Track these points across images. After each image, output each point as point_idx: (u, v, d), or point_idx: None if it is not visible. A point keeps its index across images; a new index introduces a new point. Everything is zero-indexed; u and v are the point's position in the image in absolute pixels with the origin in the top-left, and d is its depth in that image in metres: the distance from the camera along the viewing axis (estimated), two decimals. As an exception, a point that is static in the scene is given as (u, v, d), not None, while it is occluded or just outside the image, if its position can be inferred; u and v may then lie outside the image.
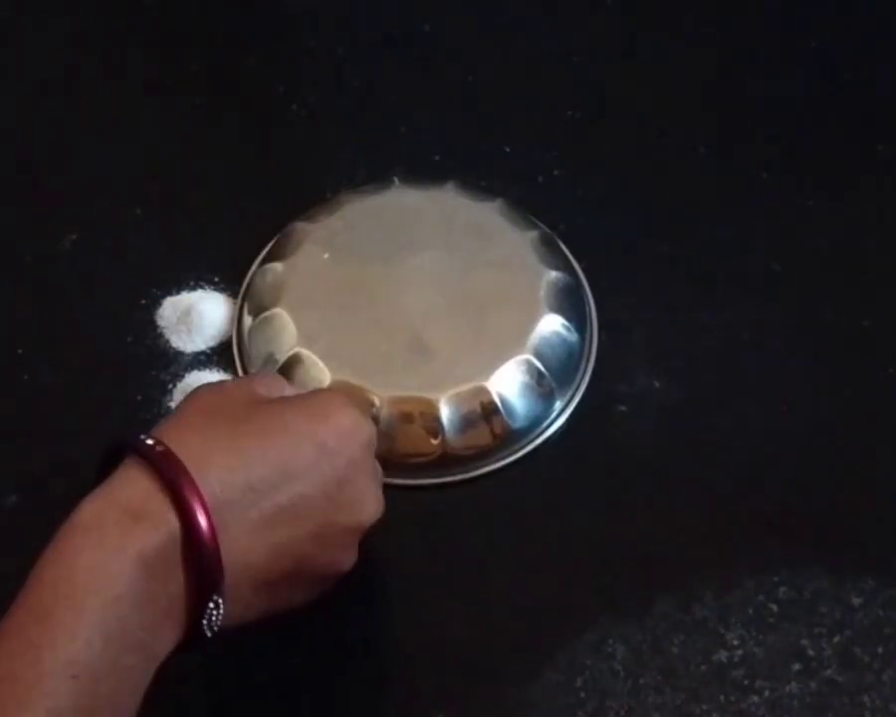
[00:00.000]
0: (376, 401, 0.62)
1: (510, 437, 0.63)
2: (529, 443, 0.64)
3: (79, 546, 0.43)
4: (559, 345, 0.65)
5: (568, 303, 0.67)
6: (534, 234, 0.69)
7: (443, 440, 0.62)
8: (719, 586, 0.59)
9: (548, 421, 0.64)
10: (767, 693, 0.56)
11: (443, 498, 0.63)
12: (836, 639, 0.57)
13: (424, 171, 0.74)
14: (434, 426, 0.62)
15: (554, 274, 0.67)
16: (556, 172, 0.75)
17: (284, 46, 0.82)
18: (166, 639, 0.45)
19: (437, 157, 0.75)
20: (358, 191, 0.72)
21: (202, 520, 0.44)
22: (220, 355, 0.67)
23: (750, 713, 0.55)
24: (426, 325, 0.65)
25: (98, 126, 0.78)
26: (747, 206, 0.74)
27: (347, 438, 0.50)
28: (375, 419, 0.62)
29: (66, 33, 0.82)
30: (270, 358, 0.64)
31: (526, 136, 0.77)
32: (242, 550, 0.46)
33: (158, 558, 0.43)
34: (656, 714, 0.55)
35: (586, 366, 0.66)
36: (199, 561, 0.44)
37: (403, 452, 0.62)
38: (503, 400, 0.63)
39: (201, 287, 0.69)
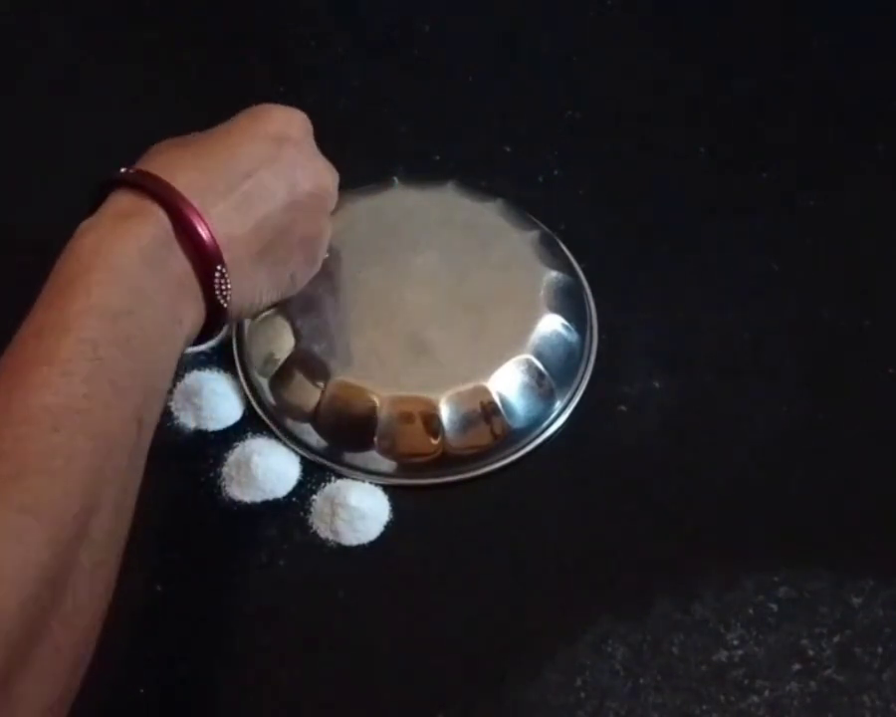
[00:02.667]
0: (376, 401, 0.62)
1: (510, 437, 0.63)
2: (529, 443, 0.64)
3: (82, 243, 0.50)
4: (559, 345, 0.65)
5: (568, 303, 0.67)
6: (534, 234, 0.69)
7: (443, 440, 0.62)
8: (719, 586, 0.59)
9: (548, 421, 0.64)
10: (767, 693, 0.56)
11: (443, 498, 0.63)
12: (836, 639, 0.57)
13: (424, 171, 0.74)
14: (434, 426, 0.62)
15: (554, 274, 0.67)
16: (556, 172, 0.75)
17: (284, 46, 0.82)
18: (189, 309, 0.52)
19: (437, 157, 0.75)
20: (358, 191, 0.72)
21: (187, 207, 0.51)
22: (220, 355, 0.67)
23: (750, 713, 0.55)
24: (426, 325, 0.65)
25: (98, 126, 0.78)
26: (747, 206, 0.74)
27: (288, 125, 0.58)
28: (375, 419, 0.62)
29: (66, 33, 0.83)
30: (270, 358, 0.65)
31: (526, 136, 0.77)
32: (227, 227, 0.53)
33: (157, 244, 0.50)
34: (656, 714, 0.55)
35: (586, 366, 0.66)
36: (193, 236, 0.52)
37: (403, 452, 0.62)
38: (503, 400, 0.63)
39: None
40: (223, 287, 0.53)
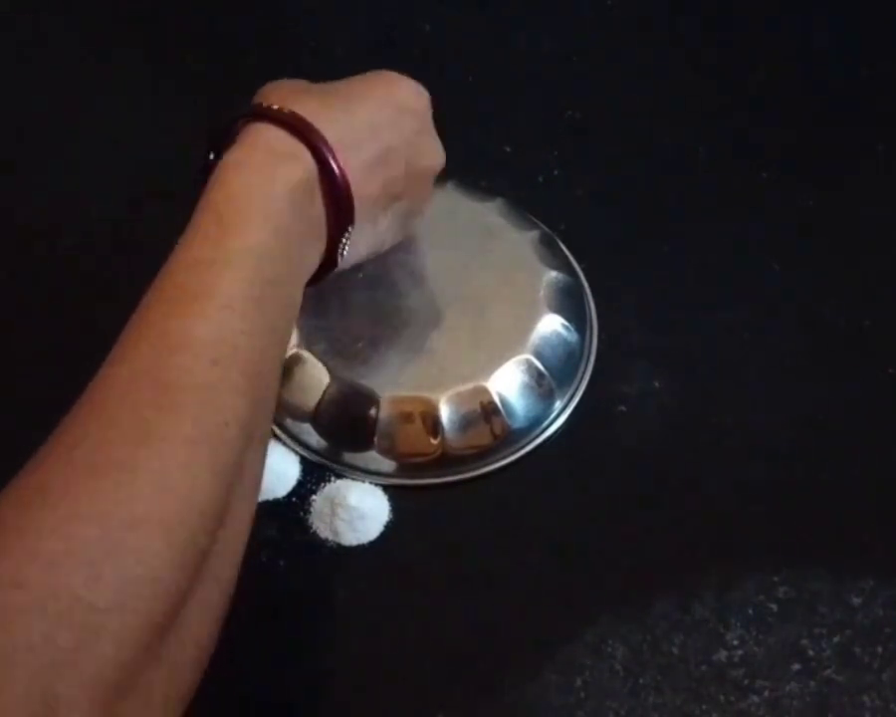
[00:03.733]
0: (376, 401, 0.62)
1: (510, 437, 0.63)
2: (529, 443, 0.64)
3: (234, 178, 0.50)
4: (559, 345, 0.65)
5: (568, 303, 0.67)
6: (534, 234, 0.69)
7: (443, 440, 0.62)
8: (719, 586, 0.59)
9: (548, 421, 0.64)
10: (767, 693, 0.56)
11: (443, 498, 0.63)
12: (836, 639, 0.57)
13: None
14: (434, 426, 0.62)
15: (554, 274, 0.67)
16: (556, 172, 0.75)
17: (284, 46, 0.82)
18: (314, 253, 0.54)
19: (437, 157, 0.75)
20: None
21: (333, 158, 0.53)
22: (220, 354, 0.67)
23: (750, 713, 0.55)
24: (426, 325, 0.65)
25: (97, 126, 0.78)
26: (747, 206, 0.74)
27: (416, 99, 0.60)
28: (375, 419, 0.62)
29: (66, 33, 0.83)
30: (270, 358, 0.65)
31: (526, 136, 0.77)
32: (360, 184, 0.54)
33: (303, 189, 0.52)
34: (656, 714, 0.55)
35: (586, 366, 0.66)
36: (335, 191, 0.53)
37: (403, 452, 0.62)
38: (503, 400, 0.63)
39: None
40: (345, 242, 0.55)
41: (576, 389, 0.66)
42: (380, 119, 0.57)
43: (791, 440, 0.64)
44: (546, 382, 0.64)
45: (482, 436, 0.63)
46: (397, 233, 0.62)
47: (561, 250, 0.70)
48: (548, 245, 0.69)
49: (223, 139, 0.54)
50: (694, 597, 0.58)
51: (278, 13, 0.85)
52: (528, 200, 0.72)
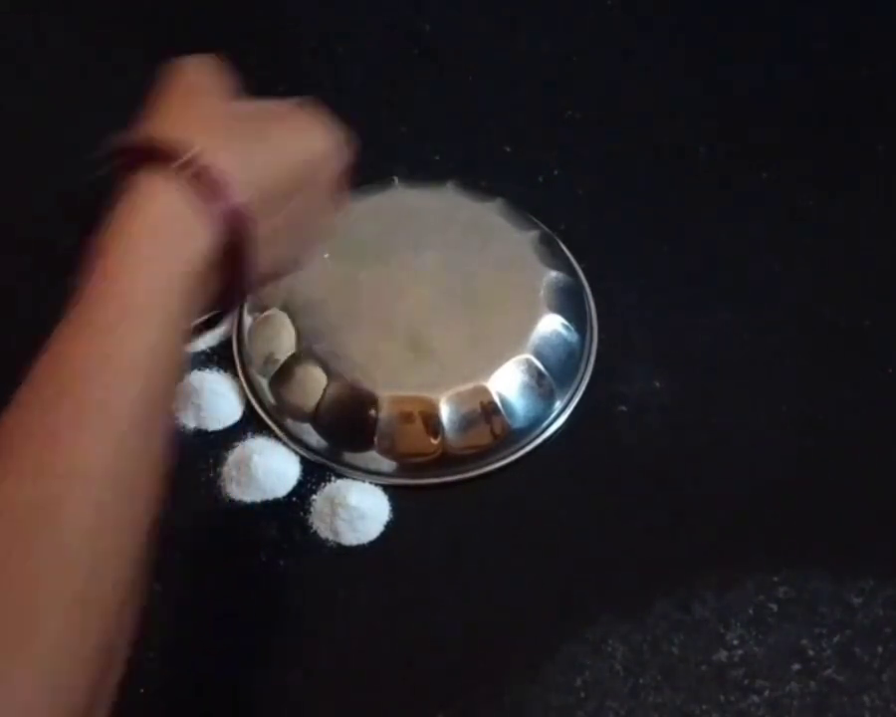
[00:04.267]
0: (376, 401, 0.62)
1: (510, 437, 0.63)
2: (529, 443, 0.64)
3: (139, 258, 0.45)
4: (559, 345, 0.65)
5: (568, 303, 0.67)
6: (534, 234, 0.69)
7: (443, 440, 0.62)
8: (719, 586, 0.59)
9: (548, 421, 0.64)
10: (767, 693, 0.56)
11: (443, 498, 0.63)
12: (836, 639, 0.57)
13: (424, 171, 0.74)
14: (434, 426, 0.62)
15: (554, 274, 0.67)
16: (556, 172, 0.75)
17: (284, 46, 0.82)
18: (205, 311, 0.49)
19: (437, 157, 0.76)
20: (358, 191, 0.72)
21: (243, 231, 0.47)
22: (220, 354, 0.67)
23: (750, 713, 0.55)
24: (426, 325, 0.65)
25: (98, 126, 0.77)
26: (747, 206, 0.74)
27: (336, 158, 0.54)
28: (375, 419, 0.62)
29: (66, 33, 0.83)
30: (270, 358, 0.65)
31: (526, 136, 0.77)
32: (258, 248, 0.49)
33: (205, 262, 0.46)
34: (656, 714, 0.55)
35: (586, 366, 0.66)
36: (236, 268, 0.48)
37: (403, 452, 0.62)
38: (503, 400, 0.63)
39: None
40: (243, 290, 0.51)
41: (576, 389, 0.66)
42: (296, 181, 0.51)
43: (791, 440, 0.64)
44: (546, 382, 0.64)
45: (482, 436, 0.63)
46: (298, 257, 0.56)
47: (562, 250, 0.70)
48: (548, 245, 0.69)
49: (107, 168, 0.49)
50: (694, 597, 0.58)
51: (278, 13, 0.85)
52: (528, 200, 0.72)
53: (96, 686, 0.39)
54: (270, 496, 0.62)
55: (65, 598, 0.39)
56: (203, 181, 0.46)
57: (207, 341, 0.67)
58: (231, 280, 0.49)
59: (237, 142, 0.49)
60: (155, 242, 0.46)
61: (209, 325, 0.52)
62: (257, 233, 0.48)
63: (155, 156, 0.47)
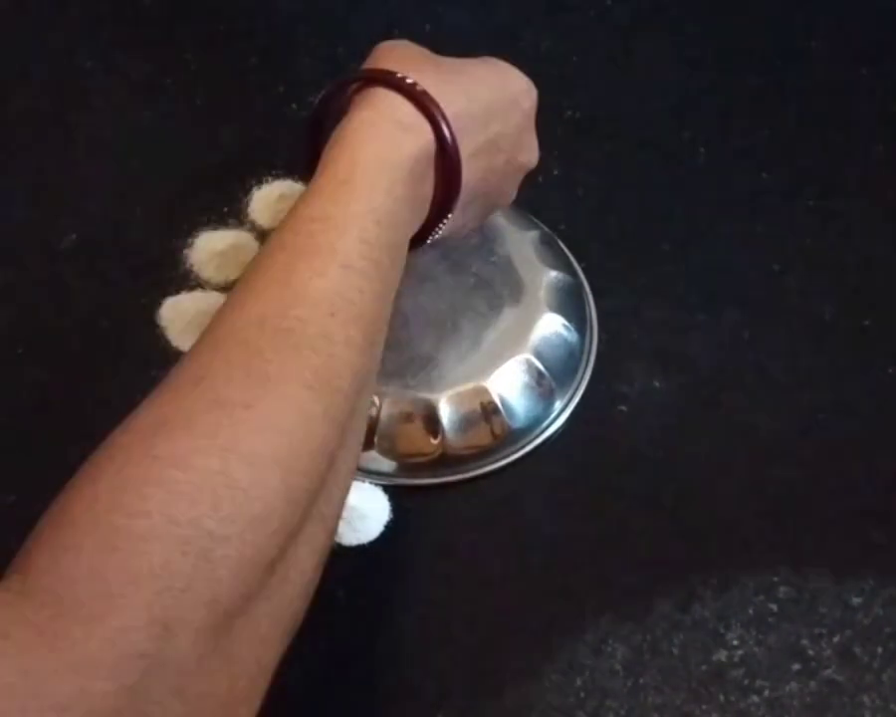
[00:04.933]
0: (376, 401, 0.62)
1: (510, 437, 0.63)
2: (529, 443, 0.64)
3: (363, 139, 0.52)
4: (559, 345, 0.65)
5: (568, 303, 0.67)
6: (534, 234, 0.69)
7: (443, 440, 0.62)
8: (719, 586, 0.59)
9: (548, 421, 0.64)
10: (767, 693, 0.56)
11: (443, 498, 0.63)
12: (836, 639, 0.57)
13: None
14: (434, 426, 0.62)
15: (553, 274, 0.67)
16: (556, 172, 0.75)
17: (284, 46, 0.82)
18: (417, 227, 0.55)
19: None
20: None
21: (451, 138, 0.54)
22: (220, 354, 0.67)
23: (750, 713, 0.55)
24: (426, 325, 0.65)
25: (97, 126, 0.78)
26: (747, 206, 0.74)
27: (527, 95, 0.60)
28: (375, 419, 0.62)
29: (66, 33, 0.83)
30: (270, 358, 0.64)
31: (526, 136, 0.77)
32: (467, 169, 0.55)
33: (421, 161, 0.53)
34: (656, 714, 0.55)
35: (586, 366, 0.66)
36: (447, 172, 0.54)
37: (403, 452, 0.62)
38: (503, 400, 0.63)
39: (201, 287, 0.69)
40: (443, 224, 0.56)
41: (576, 389, 0.66)
42: (494, 108, 0.58)
43: (791, 440, 0.64)
44: (546, 382, 0.64)
45: (482, 436, 0.63)
46: (476, 222, 0.62)
47: (562, 250, 0.70)
48: (548, 245, 0.69)
49: (332, 101, 0.55)
50: (694, 597, 0.58)
51: (277, 13, 0.85)
52: (528, 200, 0.72)
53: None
54: (270, 496, 0.62)
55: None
56: (417, 97, 0.53)
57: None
58: (441, 189, 0.55)
59: (444, 76, 0.55)
60: (380, 133, 0.52)
61: (420, 238, 0.56)
62: (462, 146, 0.54)
63: (379, 82, 0.54)
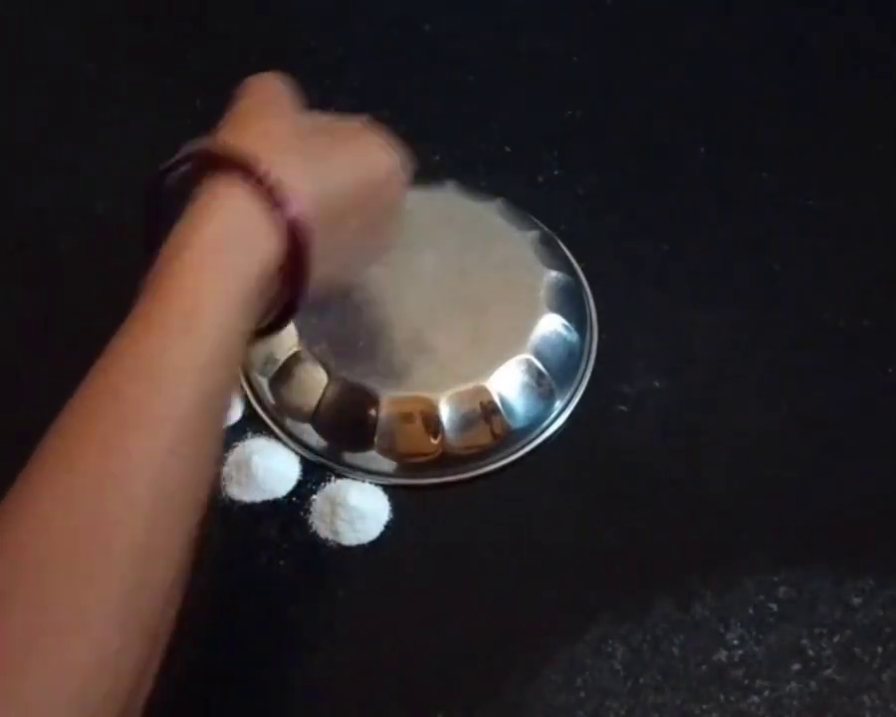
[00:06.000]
0: (376, 401, 0.62)
1: (510, 437, 0.63)
2: (529, 443, 0.64)
3: (190, 262, 0.46)
4: (559, 345, 0.65)
5: (568, 303, 0.67)
6: (534, 234, 0.69)
7: (443, 440, 0.62)
8: (719, 586, 0.59)
9: (548, 421, 0.64)
10: (767, 693, 0.56)
11: (443, 498, 0.63)
12: (836, 639, 0.57)
13: (424, 171, 0.74)
14: (434, 426, 0.62)
15: (553, 274, 0.67)
16: (556, 172, 0.75)
17: (284, 46, 0.82)
18: (259, 322, 0.51)
19: (437, 157, 0.75)
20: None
21: (303, 243, 0.49)
22: (220, 354, 0.67)
23: (750, 713, 0.55)
24: (426, 325, 0.65)
25: (97, 126, 0.78)
26: (747, 206, 0.74)
27: (396, 177, 0.57)
28: (375, 419, 0.62)
29: (65, 33, 0.83)
30: (270, 358, 0.65)
31: (526, 136, 0.77)
32: (315, 263, 0.50)
33: (268, 273, 0.48)
34: (656, 714, 0.55)
35: (586, 366, 0.66)
36: (295, 275, 0.50)
37: (403, 452, 0.62)
38: (503, 400, 0.63)
39: (201, 287, 0.69)
40: (282, 321, 0.53)
41: (576, 389, 0.66)
42: (355, 195, 0.54)
43: (791, 440, 0.64)
44: (546, 382, 0.64)
45: (482, 436, 0.63)
46: (354, 273, 0.60)
47: (562, 250, 0.70)
48: (548, 245, 0.69)
49: (174, 170, 0.51)
50: (694, 596, 0.58)
51: (277, 13, 0.85)
52: (528, 200, 0.72)
53: (141, 671, 0.41)
54: (270, 496, 0.62)
55: (114, 594, 0.40)
56: (271, 193, 0.48)
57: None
58: (290, 290, 0.50)
59: (304, 160, 0.51)
60: (221, 246, 0.47)
61: (263, 334, 0.53)
62: (317, 246, 0.50)
63: (228, 166, 0.49)
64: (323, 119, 0.56)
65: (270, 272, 0.48)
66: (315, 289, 0.51)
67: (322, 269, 0.51)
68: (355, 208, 0.54)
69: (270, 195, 0.48)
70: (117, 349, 0.45)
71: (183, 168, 0.51)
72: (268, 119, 0.53)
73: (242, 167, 0.48)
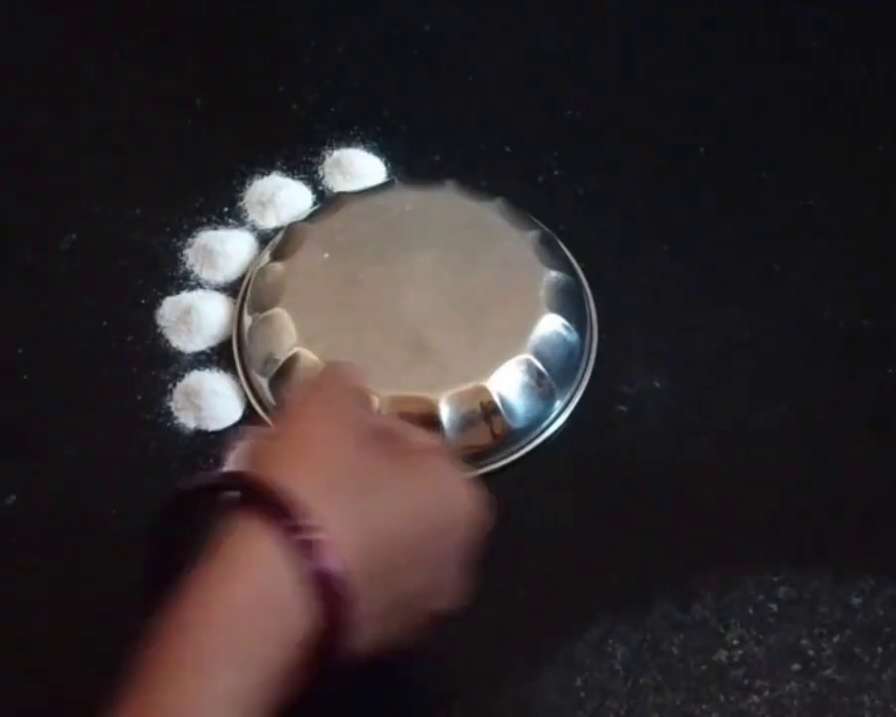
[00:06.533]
0: (376, 401, 0.62)
1: (510, 437, 0.63)
2: (529, 443, 0.64)
3: (233, 641, 0.41)
4: (559, 345, 0.65)
5: (568, 303, 0.67)
6: (534, 234, 0.69)
7: (443, 440, 0.62)
8: (719, 586, 0.59)
9: (548, 421, 0.64)
10: (767, 693, 0.56)
11: (443, 498, 0.62)
12: (836, 639, 0.57)
13: (424, 171, 0.74)
14: (434, 426, 0.62)
15: (554, 274, 0.67)
16: (556, 172, 0.75)
17: (284, 46, 0.82)
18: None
19: (437, 157, 0.75)
20: (359, 191, 0.72)
21: (342, 607, 0.42)
22: (220, 354, 0.67)
23: (750, 713, 0.55)
24: (426, 325, 0.65)
25: (97, 126, 0.78)
26: (747, 206, 0.74)
27: (470, 523, 0.47)
28: (375, 419, 0.62)
29: (66, 33, 0.83)
30: (270, 358, 0.64)
31: (526, 136, 0.77)
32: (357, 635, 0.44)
33: (300, 647, 0.42)
34: (656, 714, 0.55)
35: (586, 366, 0.66)
36: (330, 653, 0.43)
37: (403, 452, 0.62)
38: (503, 400, 0.63)
39: (201, 287, 0.69)
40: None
41: (576, 389, 0.66)
42: (413, 550, 0.45)
43: (791, 440, 0.64)
44: (546, 382, 0.64)
45: (482, 436, 0.63)
46: (413, 633, 0.48)
47: (562, 250, 0.70)
48: (548, 245, 0.69)
49: (194, 504, 0.45)
50: (694, 596, 0.58)
51: (277, 13, 0.85)
52: (528, 200, 0.72)
53: None
54: (270, 496, 0.62)
55: None
56: (312, 554, 0.42)
57: (207, 341, 0.67)
58: (322, 662, 0.43)
59: (356, 502, 0.44)
60: (248, 611, 0.41)
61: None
62: (362, 615, 0.43)
63: (266, 503, 0.42)
64: (385, 427, 0.48)
65: (299, 648, 0.42)
66: (361, 652, 0.44)
67: (366, 633, 0.43)
68: (416, 559, 0.45)
69: (309, 557, 0.42)
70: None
71: (211, 497, 0.45)
72: (322, 446, 0.46)
73: (279, 511, 0.42)
